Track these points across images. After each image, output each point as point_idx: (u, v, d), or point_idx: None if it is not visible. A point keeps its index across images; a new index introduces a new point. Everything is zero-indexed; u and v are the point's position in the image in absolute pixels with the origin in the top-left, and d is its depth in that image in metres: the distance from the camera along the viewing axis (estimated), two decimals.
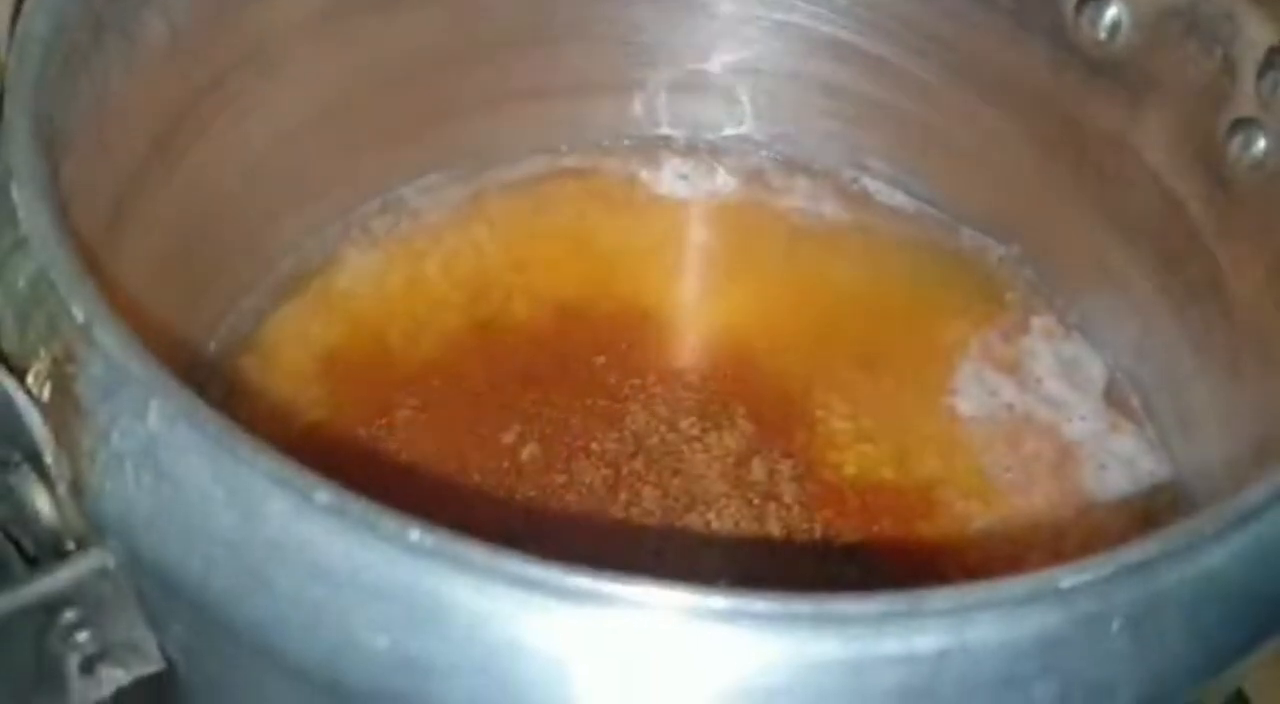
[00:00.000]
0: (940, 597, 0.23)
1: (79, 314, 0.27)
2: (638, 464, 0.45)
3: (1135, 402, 0.48)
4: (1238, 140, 0.41)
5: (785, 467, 0.46)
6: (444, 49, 0.50)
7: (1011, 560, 0.43)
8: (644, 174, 0.55)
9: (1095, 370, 0.49)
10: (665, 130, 0.55)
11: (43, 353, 0.28)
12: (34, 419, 0.27)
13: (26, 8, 0.33)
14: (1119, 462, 0.47)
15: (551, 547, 0.41)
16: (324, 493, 0.24)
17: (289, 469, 0.25)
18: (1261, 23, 0.40)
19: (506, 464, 0.44)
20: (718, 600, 0.23)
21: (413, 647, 0.23)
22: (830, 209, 0.54)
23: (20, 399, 0.27)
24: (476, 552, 0.23)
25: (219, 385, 0.47)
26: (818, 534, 0.44)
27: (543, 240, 0.53)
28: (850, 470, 0.46)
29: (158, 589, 0.27)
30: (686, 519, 0.44)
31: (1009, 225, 0.52)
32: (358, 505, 0.24)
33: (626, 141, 0.55)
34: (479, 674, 0.23)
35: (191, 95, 0.42)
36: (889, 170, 0.54)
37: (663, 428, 0.47)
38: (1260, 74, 0.40)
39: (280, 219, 0.49)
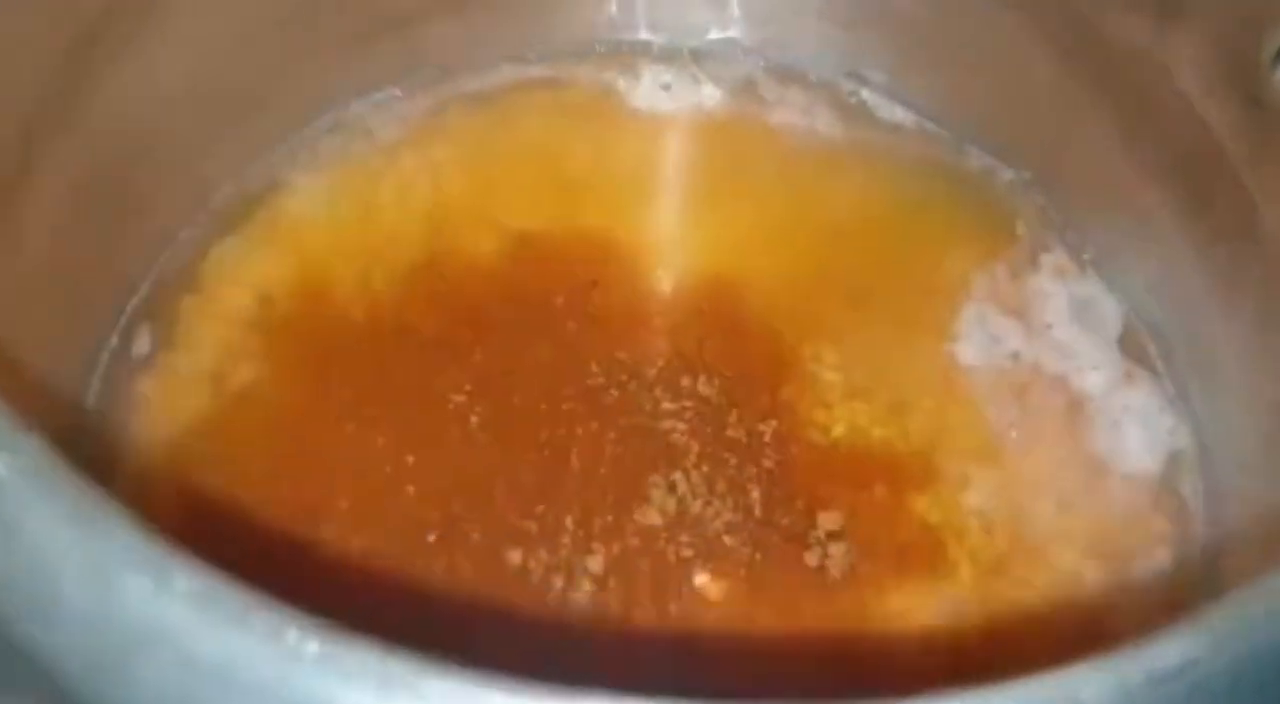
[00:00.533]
0: None
1: None
2: (593, 425, 0.41)
3: (1153, 349, 0.44)
4: None
5: (767, 426, 0.42)
6: None
7: (1014, 539, 0.40)
8: (621, 84, 0.50)
9: (1110, 313, 0.45)
10: (644, 34, 0.50)
11: None
12: None
13: None
14: (1134, 418, 0.43)
15: (495, 533, 0.38)
16: (185, 577, 0.20)
17: (150, 544, 0.21)
18: None
19: (455, 431, 0.40)
20: None
21: None
22: (825, 125, 0.49)
23: None
24: (370, 657, 0.20)
25: (157, 330, 0.43)
26: (800, 505, 0.40)
27: (507, 161, 0.48)
28: (839, 431, 0.42)
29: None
30: (650, 482, 0.40)
31: (1020, 147, 0.47)
32: (227, 595, 0.20)
33: (600, 47, 0.50)
34: None
35: (103, 12, 0.38)
36: (890, 82, 0.49)
37: (624, 377, 0.42)
38: None
39: (219, 142, 0.45)
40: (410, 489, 0.40)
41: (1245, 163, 0.38)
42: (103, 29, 0.38)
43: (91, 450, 0.40)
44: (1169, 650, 0.20)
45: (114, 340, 0.43)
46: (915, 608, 0.38)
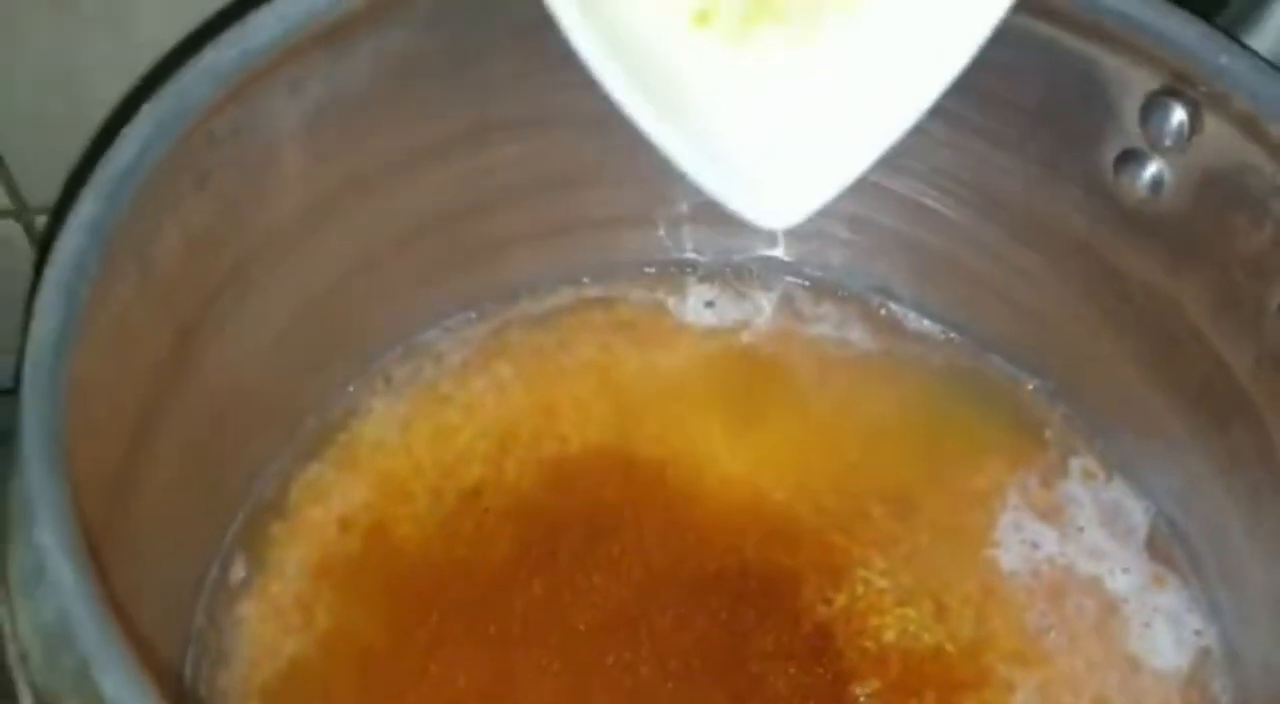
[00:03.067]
0: None
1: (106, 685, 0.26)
2: (655, 650, 0.44)
3: (1179, 554, 0.47)
4: None
5: (824, 635, 0.45)
6: (465, 198, 0.48)
7: None
8: (670, 302, 0.54)
9: (1137, 517, 0.48)
10: (690, 255, 0.54)
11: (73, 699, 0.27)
12: None
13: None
14: (1164, 619, 0.46)
15: None
16: None
17: None
18: None
19: (527, 662, 0.44)
20: None
21: None
22: (858, 336, 0.53)
23: None
24: None
25: (250, 559, 0.46)
26: None
27: (566, 378, 0.52)
28: (890, 636, 0.45)
29: None
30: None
31: (1041, 359, 0.50)
32: None
33: (650, 269, 0.54)
34: None
35: (209, 293, 0.41)
36: (914, 296, 0.52)
37: (679, 593, 0.45)
38: None
39: (303, 382, 0.48)
40: None
41: (1263, 399, 0.41)
42: (209, 306, 0.42)
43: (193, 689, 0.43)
44: None
45: (215, 570, 0.46)
46: None
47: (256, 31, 0.36)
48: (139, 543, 0.40)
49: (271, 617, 0.46)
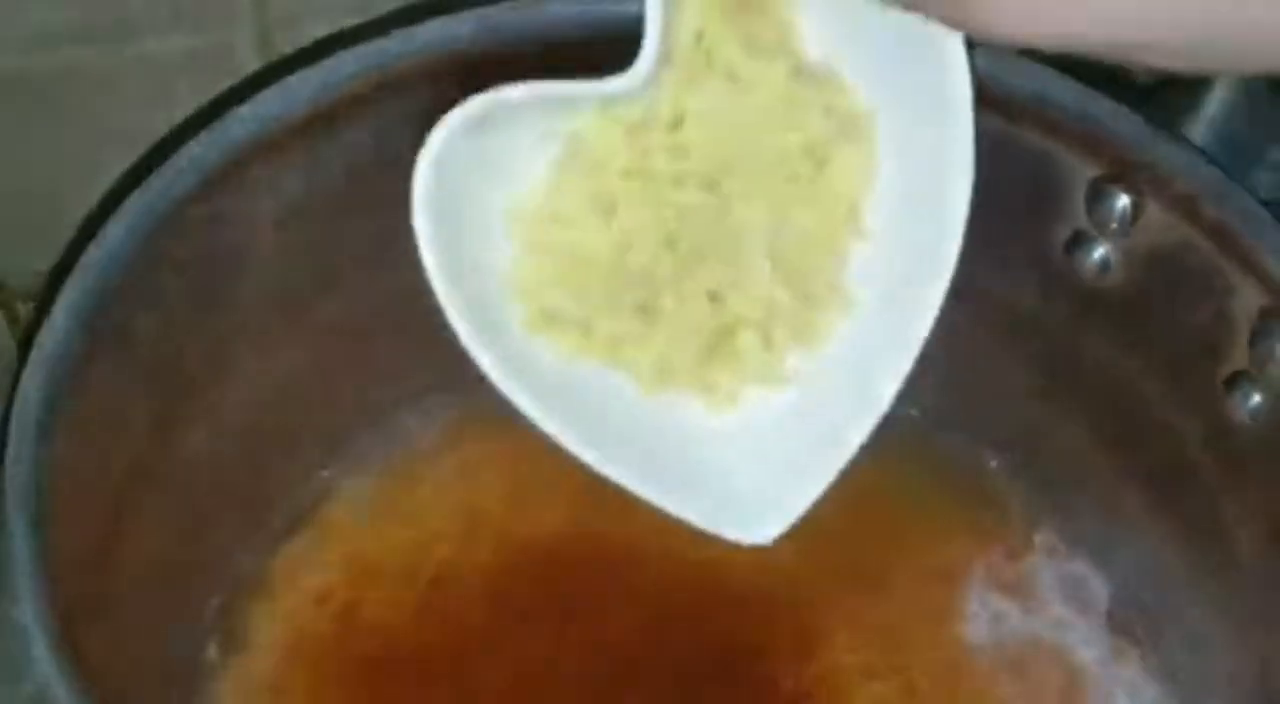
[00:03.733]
0: None
1: None
2: None
3: (1139, 628, 0.48)
4: (1237, 393, 0.41)
5: None
6: None
7: None
8: None
9: (1098, 591, 0.49)
10: None
11: None
12: None
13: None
14: (1125, 691, 0.47)
15: None
16: None
17: None
18: (1253, 284, 0.40)
19: None
20: None
21: None
22: None
23: None
24: None
25: (224, 641, 0.47)
26: None
27: (535, 459, 0.52)
28: None
29: None
30: None
31: (1002, 437, 0.51)
32: None
33: None
34: None
35: (187, 376, 0.42)
36: None
37: (652, 671, 0.46)
38: (1254, 336, 0.40)
39: (278, 463, 0.49)
40: None
41: (1213, 474, 0.42)
42: (184, 392, 0.43)
43: None
44: None
45: (190, 651, 0.46)
46: None
47: (236, 126, 0.38)
48: (116, 625, 0.41)
49: (246, 698, 0.46)
